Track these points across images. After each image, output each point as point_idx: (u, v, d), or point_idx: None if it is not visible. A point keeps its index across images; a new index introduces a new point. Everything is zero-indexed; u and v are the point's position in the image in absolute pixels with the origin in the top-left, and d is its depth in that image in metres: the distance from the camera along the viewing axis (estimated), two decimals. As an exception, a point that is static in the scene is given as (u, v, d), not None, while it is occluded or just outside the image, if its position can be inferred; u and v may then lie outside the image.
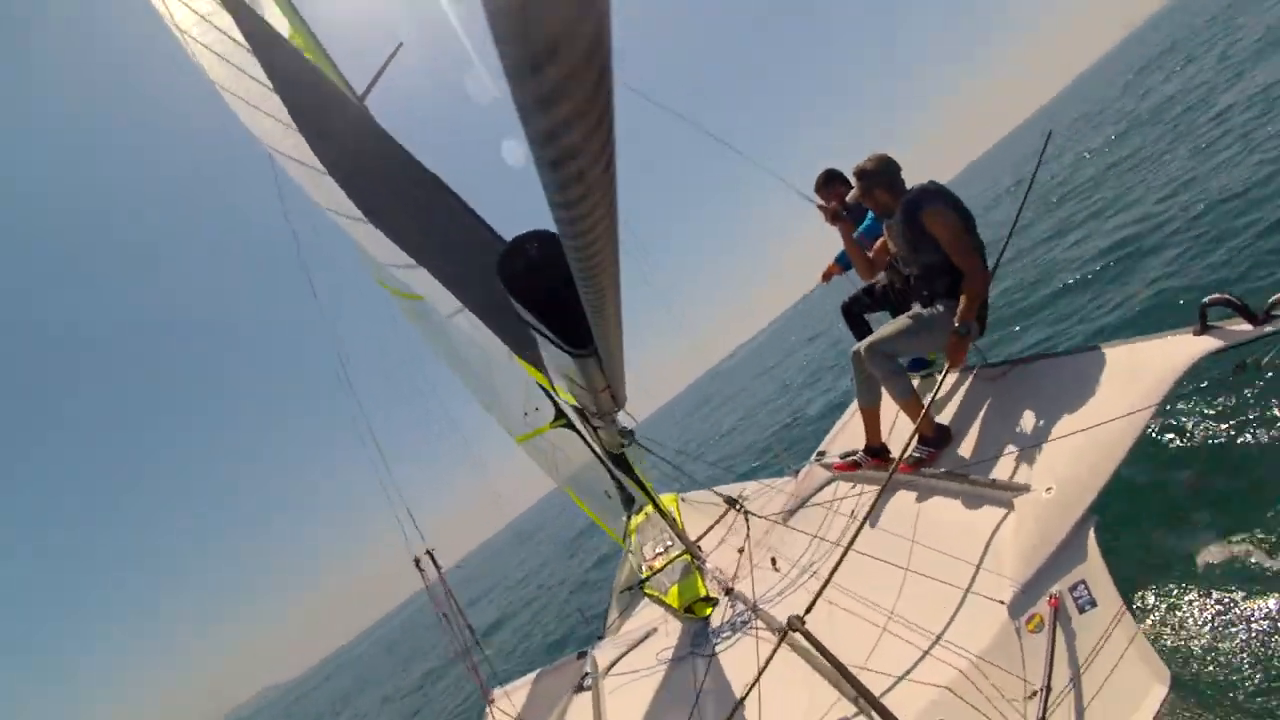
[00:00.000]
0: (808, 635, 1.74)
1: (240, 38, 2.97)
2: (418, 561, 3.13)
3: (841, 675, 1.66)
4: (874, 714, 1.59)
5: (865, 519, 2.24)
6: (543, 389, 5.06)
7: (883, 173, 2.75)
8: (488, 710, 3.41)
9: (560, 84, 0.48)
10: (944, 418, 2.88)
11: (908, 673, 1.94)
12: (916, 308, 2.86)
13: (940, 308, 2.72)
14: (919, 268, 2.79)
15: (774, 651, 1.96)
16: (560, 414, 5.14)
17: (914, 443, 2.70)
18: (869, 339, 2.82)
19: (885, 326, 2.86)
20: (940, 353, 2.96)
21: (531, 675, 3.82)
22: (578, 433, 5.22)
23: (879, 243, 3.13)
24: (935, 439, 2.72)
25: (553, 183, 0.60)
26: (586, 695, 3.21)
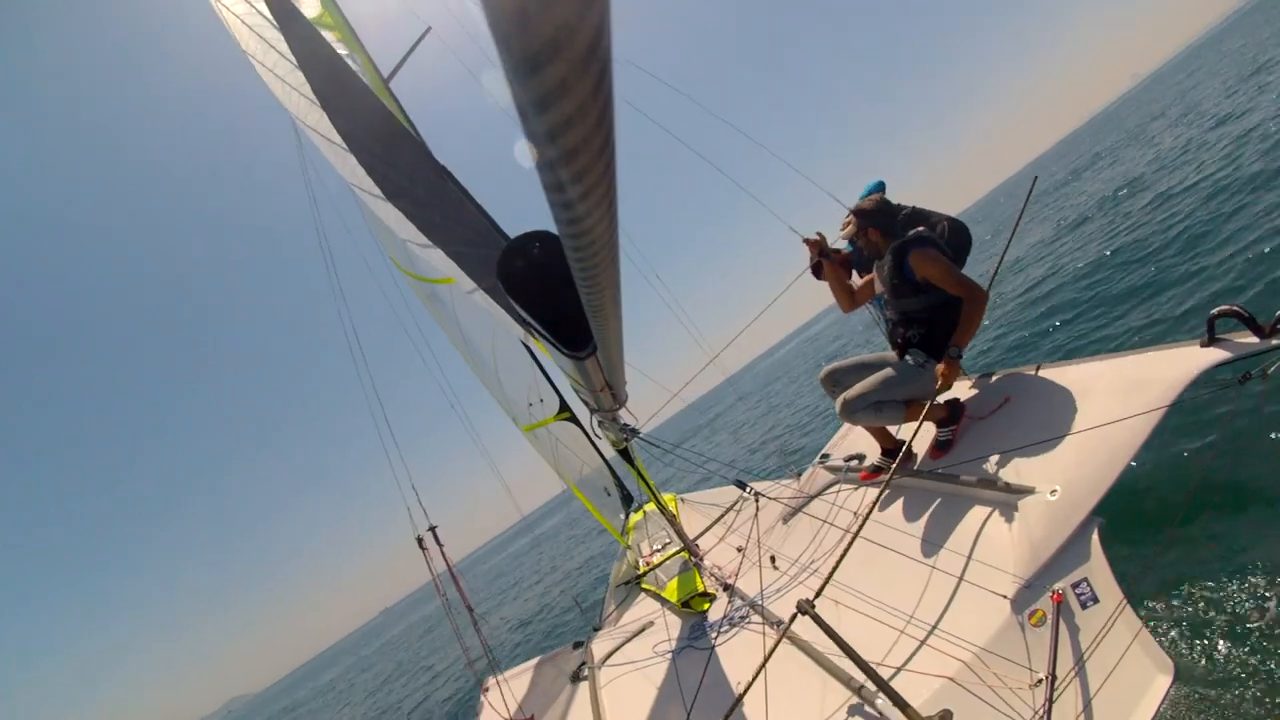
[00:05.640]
0: (817, 619, 1.75)
1: (267, 12, 3.01)
2: (420, 541, 3.14)
3: (850, 657, 1.66)
4: (880, 696, 1.58)
5: (871, 510, 2.28)
6: (549, 381, 5.08)
7: (878, 214, 2.84)
8: (482, 698, 3.44)
9: (560, 83, 0.47)
10: None
11: (912, 664, 1.96)
12: (893, 357, 2.90)
13: (919, 359, 2.76)
14: (898, 313, 2.86)
15: (782, 635, 1.99)
16: (565, 407, 5.15)
17: (929, 435, 2.78)
18: (844, 397, 2.80)
19: (859, 384, 2.82)
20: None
21: (528, 664, 3.85)
22: (580, 428, 5.23)
23: (864, 279, 3.18)
24: (951, 416, 2.77)
25: (552, 183, 0.60)
26: (583, 685, 3.24)
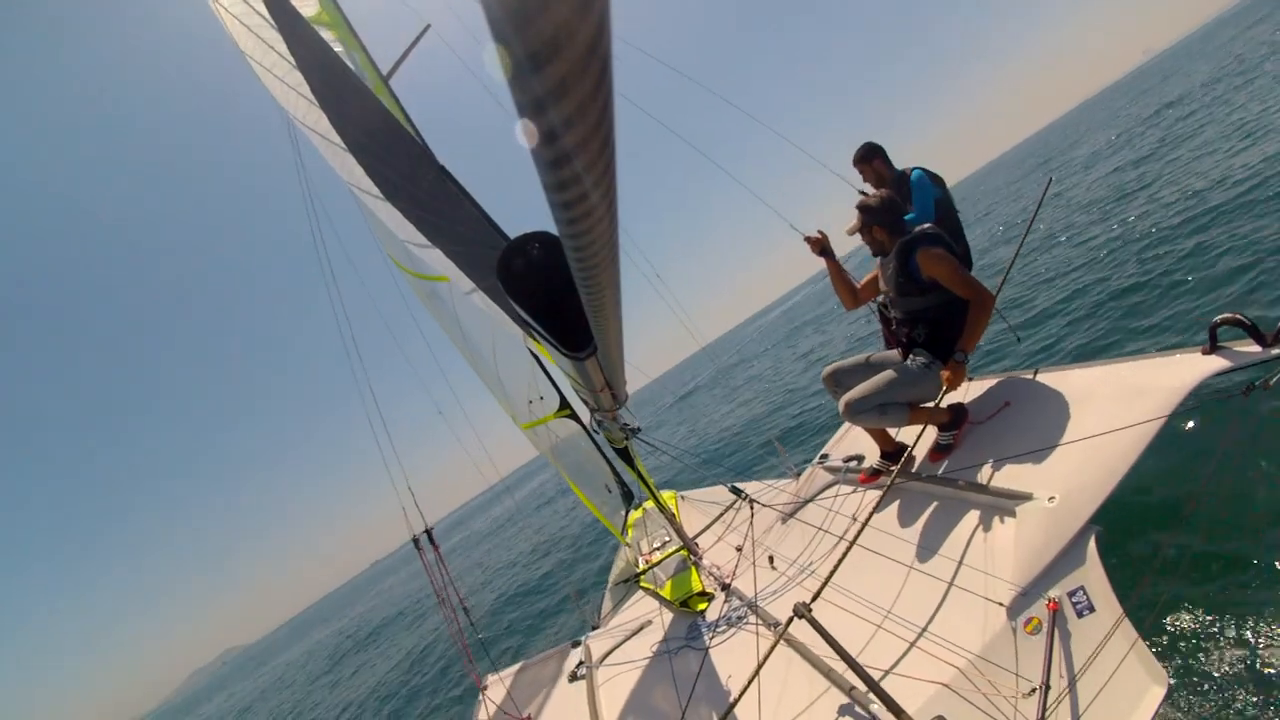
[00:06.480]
0: (813, 622, 1.74)
1: (265, 12, 3.00)
2: (416, 541, 3.13)
3: (845, 661, 1.66)
4: (873, 700, 1.58)
5: (871, 515, 2.29)
6: (549, 378, 5.07)
7: (884, 211, 2.74)
8: (480, 696, 3.45)
9: (560, 83, 0.47)
10: None
11: (906, 669, 1.96)
12: (897, 358, 2.85)
13: (924, 360, 2.71)
14: (903, 312, 2.79)
15: (779, 638, 1.99)
16: (565, 404, 5.14)
17: (933, 435, 2.77)
18: (847, 398, 2.72)
19: (864, 385, 2.75)
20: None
21: (525, 662, 3.86)
22: (581, 425, 5.22)
23: (868, 277, 3.11)
24: (954, 420, 2.73)
25: (552, 183, 0.60)
26: (580, 684, 3.24)
